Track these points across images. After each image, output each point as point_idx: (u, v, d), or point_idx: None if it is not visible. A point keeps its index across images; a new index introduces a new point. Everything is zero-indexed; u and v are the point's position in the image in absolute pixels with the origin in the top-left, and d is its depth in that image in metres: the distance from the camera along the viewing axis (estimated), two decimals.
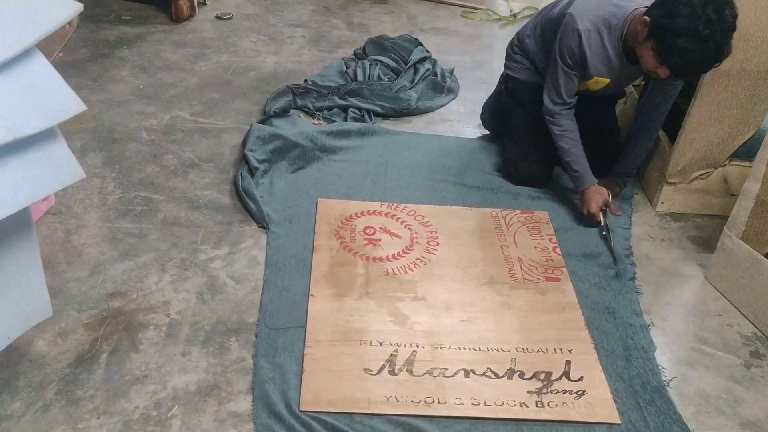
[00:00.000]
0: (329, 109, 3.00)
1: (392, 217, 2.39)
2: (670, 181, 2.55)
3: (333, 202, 2.42)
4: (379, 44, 3.57)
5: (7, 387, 1.69)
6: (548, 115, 2.44)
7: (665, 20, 2.00)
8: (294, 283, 2.07)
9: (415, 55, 3.43)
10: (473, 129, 3.06)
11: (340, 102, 3.03)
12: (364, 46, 3.61)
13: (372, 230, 2.31)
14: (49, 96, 1.39)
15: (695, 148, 2.46)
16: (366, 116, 2.99)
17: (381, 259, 2.20)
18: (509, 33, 4.12)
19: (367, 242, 2.26)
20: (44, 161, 1.41)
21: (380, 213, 2.40)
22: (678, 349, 2.02)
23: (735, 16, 1.97)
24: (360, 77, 3.23)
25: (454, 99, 3.27)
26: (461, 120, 3.13)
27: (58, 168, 1.44)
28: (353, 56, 3.52)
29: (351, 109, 3.00)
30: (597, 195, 2.41)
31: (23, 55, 1.35)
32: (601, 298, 2.13)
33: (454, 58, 3.71)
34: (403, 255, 2.22)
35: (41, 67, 1.39)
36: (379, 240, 2.28)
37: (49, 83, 1.39)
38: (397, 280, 2.12)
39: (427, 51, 3.56)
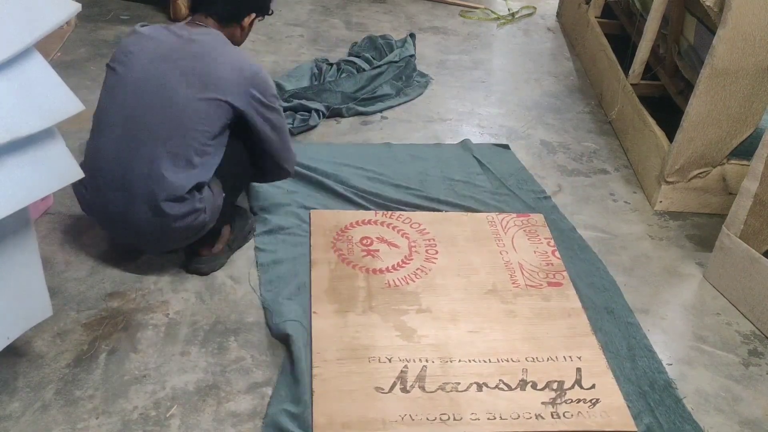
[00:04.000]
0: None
1: (388, 226, 2.35)
2: (669, 179, 2.55)
3: (326, 213, 2.37)
4: (374, 41, 3.58)
5: (6, 387, 1.69)
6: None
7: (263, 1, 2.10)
8: (292, 306, 1.98)
9: (391, 57, 3.39)
10: (471, 128, 3.06)
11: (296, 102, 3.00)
12: (361, 41, 3.64)
13: (369, 240, 2.27)
14: (47, 96, 1.39)
15: (694, 146, 2.46)
16: (314, 115, 2.93)
17: (381, 271, 2.16)
18: (507, 32, 4.14)
19: (365, 253, 2.22)
20: (42, 161, 1.41)
21: (376, 222, 2.36)
22: (677, 348, 2.02)
23: None
24: (329, 79, 3.20)
25: (406, 101, 3.21)
26: (460, 119, 3.13)
27: (56, 168, 1.44)
28: (325, 60, 3.45)
29: (300, 112, 2.96)
30: None
31: (21, 55, 1.35)
32: (598, 298, 2.13)
33: (452, 57, 3.72)
34: (403, 265, 2.19)
35: (39, 66, 1.39)
36: (377, 250, 2.24)
37: (48, 83, 1.39)
38: (399, 292, 2.08)
39: (407, 49, 3.53)
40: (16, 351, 1.77)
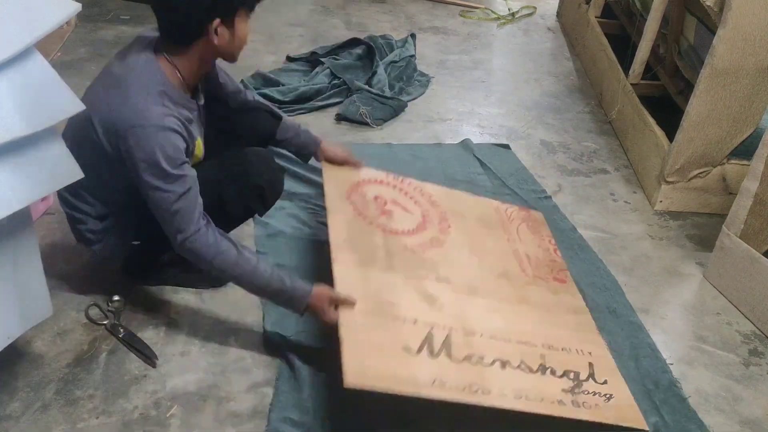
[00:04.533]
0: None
1: (400, 190, 2.23)
2: (669, 179, 2.55)
3: (339, 169, 2.16)
4: (374, 40, 3.59)
5: (6, 387, 1.69)
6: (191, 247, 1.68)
7: None
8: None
9: (392, 57, 3.41)
10: (471, 128, 3.06)
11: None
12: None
13: (383, 201, 2.14)
14: (47, 96, 1.39)
15: (694, 146, 2.46)
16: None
17: (397, 233, 2.03)
18: (507, 32, 4.14)
19: (380, 212, 2.09)
20: (42, 161, 1.41)
21: (387, 183, 2.23)
22: (677, 348, 2.02)
23: None
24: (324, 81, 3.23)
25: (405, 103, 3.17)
26: (460, 119, 3.13)
27: (56, 168, 1.44)
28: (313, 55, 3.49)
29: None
30: (324, 295, 1.72)
31: (21, 55, 1.34)
32: (600, 297, 2.13)
33: (452, 57, 3.71)
34: (418, 232, 2.08)
35: (40, 67, 1.38)
36: (391, 212, 2.11)
37: (48, 83, 1.39)
38: (418, 258, 1.97)
39: (407, 49, 3.55)
40: (16, 351, 1.77)
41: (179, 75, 1.71)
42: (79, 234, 1.88)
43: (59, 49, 3.31)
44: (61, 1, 1.47)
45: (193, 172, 1.69)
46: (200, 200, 1.70)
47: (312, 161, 2.21)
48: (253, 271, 1.72)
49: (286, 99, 3.01)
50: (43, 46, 2.26)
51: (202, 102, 1.86)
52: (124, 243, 1.89)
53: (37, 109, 1.36)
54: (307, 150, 2.15)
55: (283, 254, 2.19)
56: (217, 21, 1.63)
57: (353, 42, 3.51)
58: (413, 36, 3.69)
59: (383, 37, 3.63)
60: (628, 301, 2.13)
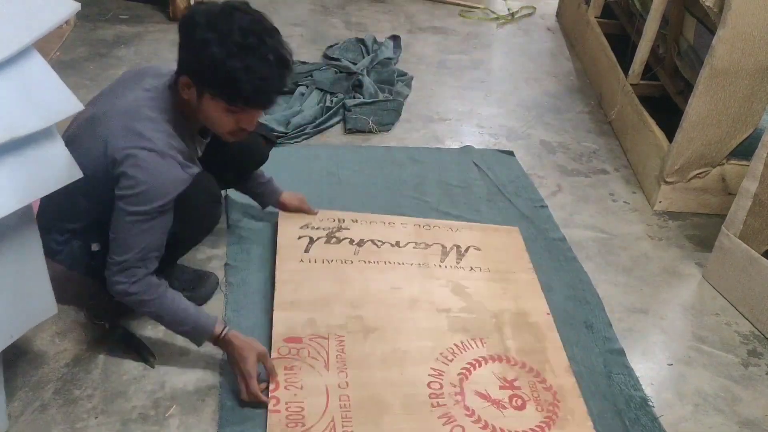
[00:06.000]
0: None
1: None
2: (668, 180, 2.55)
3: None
4: (355, 43, 3.61)
5: (5, 386, 1.68)
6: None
7: (198, 61, 1.57)
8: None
9: (365, 62, 3.39)
10: (471, 128, 3.06)
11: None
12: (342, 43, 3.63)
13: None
14: (46, 95, 1.38)
15: (693, 147, 2.46)
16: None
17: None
18: (507, 32, 4.14)
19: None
20: (42, 161, 1.41)
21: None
22: (676, 348, 2.03)
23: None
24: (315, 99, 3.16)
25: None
26: (459, 119, 3.13)
27: (55, 167, 1.44)
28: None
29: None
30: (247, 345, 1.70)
31: (20, 55, 1.34)
32: (578, 311, 2.08)
33: (451, 57, 3.72)
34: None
35: (38, 66, 1.38)
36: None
37: (47, 83, 1.39)
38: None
39: (383, 52, 3.55)
40: (15, 350, 1.76)
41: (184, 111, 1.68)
42: (46, 245, 1.71)
43: (58, 48, 3.31)
44: (60, 0, 1.47)
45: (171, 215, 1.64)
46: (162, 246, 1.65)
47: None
48: (171, 305, 1.68)
49: (288, 131, 2.85)
50: (43, 45, 2.26)
51: (207, 140, 1.83)
52: (86, 249, 1.80)
53: (36, 109, 1.35)
54: (269, 199, 2.22)
55: (255, 270, 2.12)
56: (186, 79, 1.61)
57: (328, 59, 3.46)
58: (395, 38, 3.68)
59: (359, 39, 3.62)
60: (607, 316, 2.07)
